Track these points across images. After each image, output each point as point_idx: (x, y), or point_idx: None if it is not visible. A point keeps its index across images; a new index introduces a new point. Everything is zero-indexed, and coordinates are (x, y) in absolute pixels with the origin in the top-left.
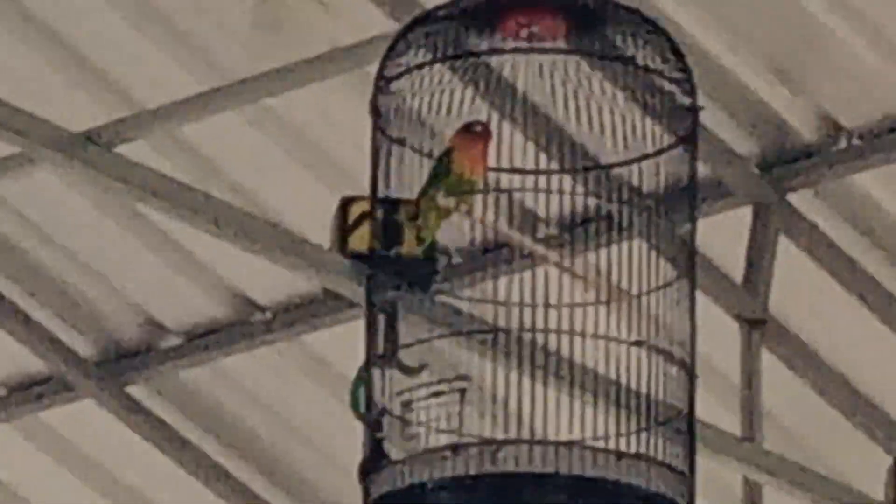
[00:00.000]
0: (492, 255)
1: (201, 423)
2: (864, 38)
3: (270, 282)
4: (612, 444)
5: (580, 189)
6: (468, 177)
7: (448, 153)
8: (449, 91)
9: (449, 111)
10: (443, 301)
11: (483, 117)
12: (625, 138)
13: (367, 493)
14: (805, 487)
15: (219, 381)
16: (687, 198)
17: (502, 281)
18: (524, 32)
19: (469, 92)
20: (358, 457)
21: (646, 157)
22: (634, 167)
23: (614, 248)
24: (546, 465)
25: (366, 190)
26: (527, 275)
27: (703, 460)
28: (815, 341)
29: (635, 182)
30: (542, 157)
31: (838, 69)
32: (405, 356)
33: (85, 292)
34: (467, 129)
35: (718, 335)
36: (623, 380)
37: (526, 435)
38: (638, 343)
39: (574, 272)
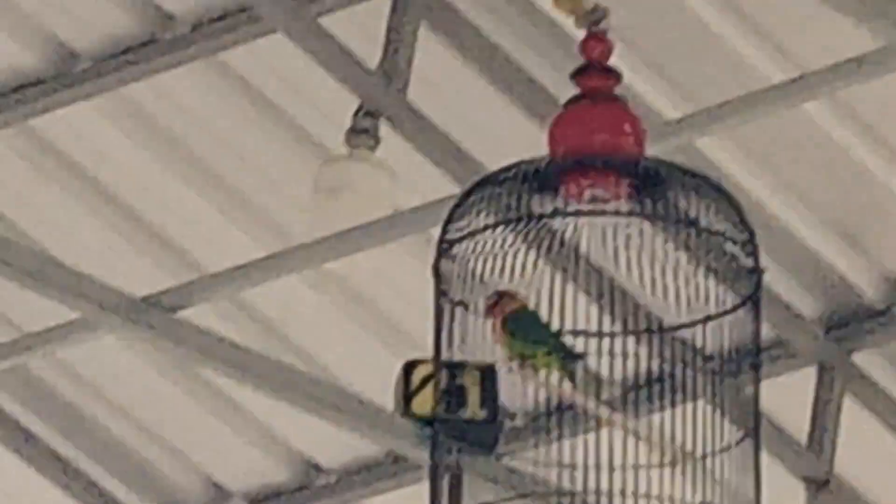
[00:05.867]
0: (556, 417)
1: None
2: None
3: (333, 445)
4: None
5: (644, 351)
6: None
7: None
8: (511, 253)
9: (512, 274)
10: (507, 464)
11: (546, 280)
12: (688, 300)
13: None
14: None
15: None
16: (751, 359)
17: (566, 443)
18: (587, 194)
19: (532, 254)
20: None
21: (709, 318)
22: (698, 329)
23: (678, 409)
24: None
25: (429, 353)
26: (591, 437)
27: None
28: (880, 502)
29: (699, 343)
30: (606, 319)
31: None
32: None
33: (147, 456)
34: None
35: (783, 496)
36: None
37: None
38: None
39: (638, 434)
